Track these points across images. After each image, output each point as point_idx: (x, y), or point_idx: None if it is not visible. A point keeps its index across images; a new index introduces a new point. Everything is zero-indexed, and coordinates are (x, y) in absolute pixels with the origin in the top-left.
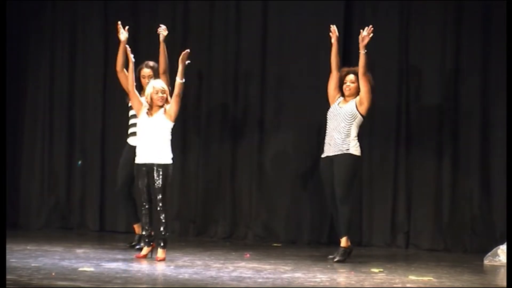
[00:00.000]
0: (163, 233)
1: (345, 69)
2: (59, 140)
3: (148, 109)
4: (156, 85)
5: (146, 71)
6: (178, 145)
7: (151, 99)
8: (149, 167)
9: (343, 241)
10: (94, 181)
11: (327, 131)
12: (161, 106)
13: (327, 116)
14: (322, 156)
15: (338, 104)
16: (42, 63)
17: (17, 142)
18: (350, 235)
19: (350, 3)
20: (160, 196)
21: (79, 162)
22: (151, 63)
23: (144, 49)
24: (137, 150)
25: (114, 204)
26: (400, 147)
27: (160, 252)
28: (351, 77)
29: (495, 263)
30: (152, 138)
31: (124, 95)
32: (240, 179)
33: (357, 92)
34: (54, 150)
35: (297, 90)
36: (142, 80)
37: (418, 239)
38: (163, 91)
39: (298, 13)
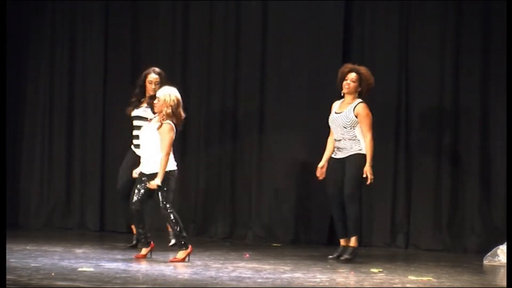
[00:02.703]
0: (180, 233)
1: (349, 66)
2: (59, 140)
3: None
4: (158, 94)
5: (153, 77)
6: (178, 146)
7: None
8: (153, 176)
9: (353, 241)
10: (94, 181)
11: (334, 136)
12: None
13: (329, 123)
14: (333, 156)
15: (335, 112)
16: (42, 63)
17: (17, 142)
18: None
19: (350, 3)
20: (165, 201)
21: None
22: (157, 70)
23: (144, 49)
24: (141, 160)
25: (114, 204)
26: (400, 147)
27: (181, 253)
28: (352, 75)
29: (495, 263)
30: (152, 147)
31: (124, 107)
32: (240, 179)
33: (355, 91)
34: (54, 150)
35: (297, 90)
36: (148, 85)
37: (417, 239)
38: (160, 101)
39: (298, 12)
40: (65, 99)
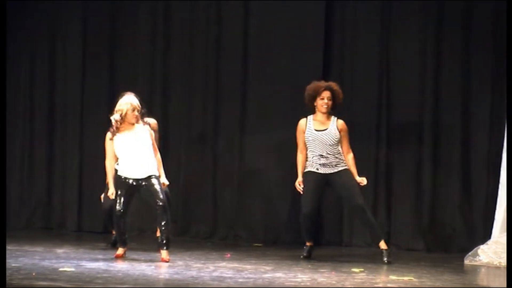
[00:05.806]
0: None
1: (323, 85)
2: (39, 142)
3: (116, 128)
4: (133, 102)
5: None
6: (160, 145)
7: (125, 115)
8: (145, 180)
9: (383, 244)
10: (73, 182)
11: (312, 153)
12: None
13: (306, 140)
14: (315, 171)
15: (316, 130)
16: (22, 65)
17: None
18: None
19: (331, 3)
20: (162, 203)
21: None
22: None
23: (124, 52)
24: (128, 166)
25: (92, 205)
26: (381, 147)
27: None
28: (328, 94)
29: (476, 263)
30: (141, 152)
31: (103, 109)
32: (221, 179)
33: (332, 109)
34: (34, 151)
35: (278, 90)
36: None
37: (398, 239)
38: (138, 110)
39: (279, 13)
40: (45, 101)
